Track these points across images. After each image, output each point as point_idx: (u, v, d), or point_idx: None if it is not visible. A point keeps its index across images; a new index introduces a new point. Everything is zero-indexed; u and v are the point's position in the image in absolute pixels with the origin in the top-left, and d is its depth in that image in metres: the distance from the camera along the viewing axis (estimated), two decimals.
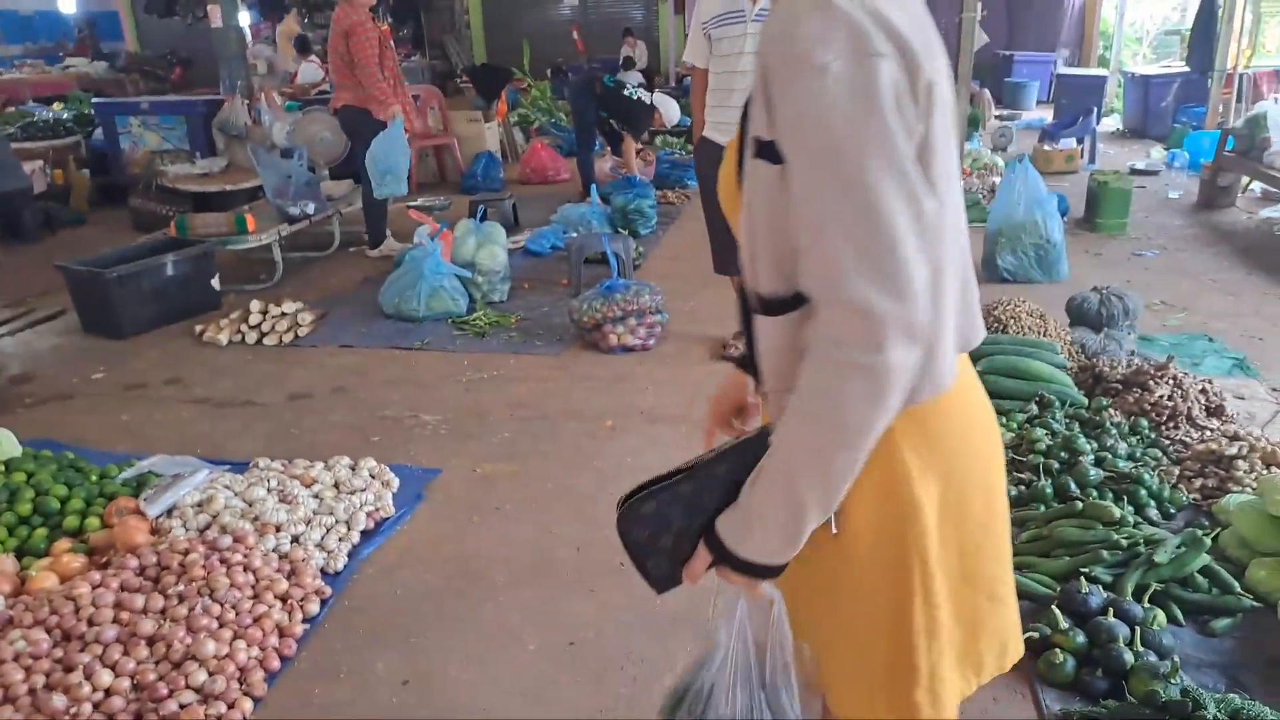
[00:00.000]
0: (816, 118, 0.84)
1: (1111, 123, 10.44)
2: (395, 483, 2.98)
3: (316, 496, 2.84)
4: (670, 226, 6.43)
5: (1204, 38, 8.43)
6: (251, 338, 4.40)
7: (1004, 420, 3.10)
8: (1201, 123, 8.52)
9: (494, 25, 17.66)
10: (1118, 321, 3.68)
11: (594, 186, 6.19)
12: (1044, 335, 3.61)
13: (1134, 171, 7.51)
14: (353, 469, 3.01)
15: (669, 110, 7.29)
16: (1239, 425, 3.01)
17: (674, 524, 1.02)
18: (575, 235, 5.44)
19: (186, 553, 2.43)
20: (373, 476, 2.98)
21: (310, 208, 5.63)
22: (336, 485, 2.91)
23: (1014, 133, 8.96)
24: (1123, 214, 5.62)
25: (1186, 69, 8.95)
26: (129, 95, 11.25)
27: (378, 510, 2.81)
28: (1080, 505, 2.52)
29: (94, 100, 8.82)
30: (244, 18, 9.18)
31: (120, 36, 17.25)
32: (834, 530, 0.99)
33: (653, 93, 7.30)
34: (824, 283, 0.86)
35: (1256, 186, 6.46)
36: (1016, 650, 1.14)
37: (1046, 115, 10.80)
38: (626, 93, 7.06)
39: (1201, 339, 3.89)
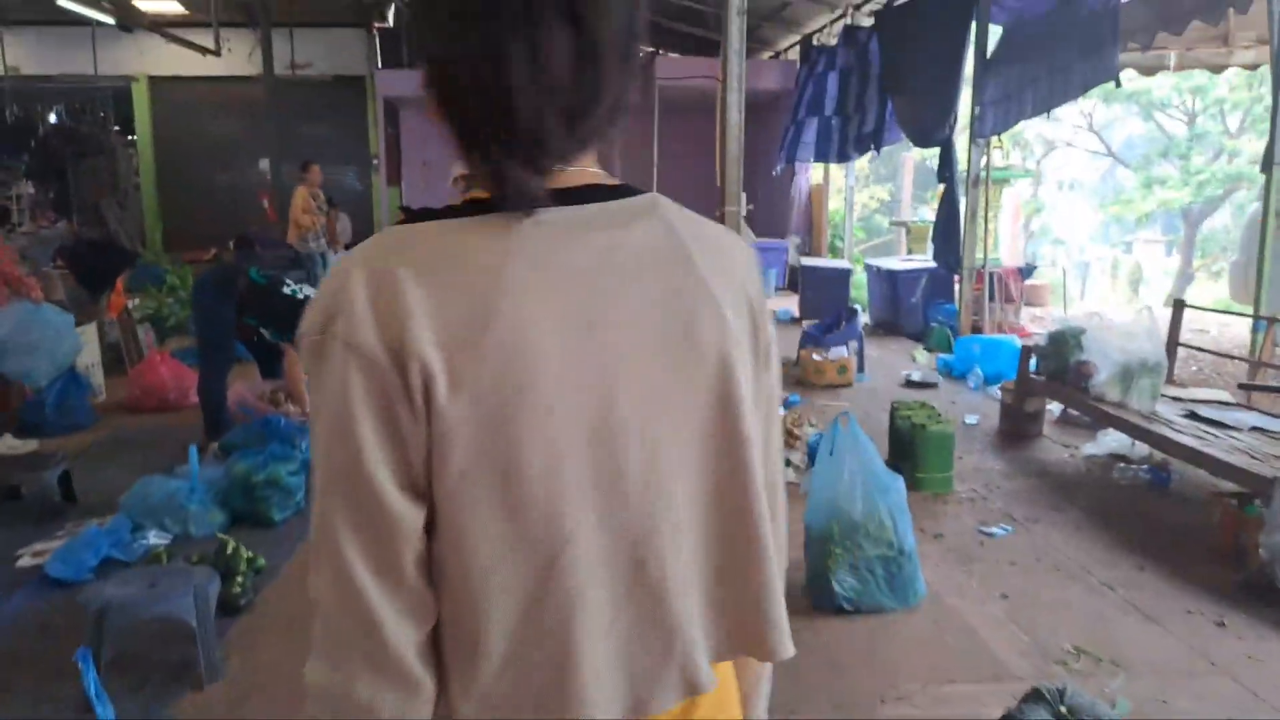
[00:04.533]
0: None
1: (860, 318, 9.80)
2: None
3: None
4: None
5: (947, 234, 7.92)
6: None
7: None
8: (955, 321, 7.90)
9: (171, 187, 15.05)
10: None
11: (194, 450, 3.92)
12: None
13: (910, 384, 6.48)
14: None
15: None
16: None
17: None
18: (114, 588, 2.70)
19: None
20: None
21: None
22: None
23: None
24: (947, 465, 4.28)
25: (931, 264, 8.42)
26: None
27: None
28: None
29: None
30: None
31: None
32: None
33: None
34: None
35: (1055, 407, 5.52)
36: None
37: (787, 305, 10.05)
38: (287, 290, 4.96)
39: None
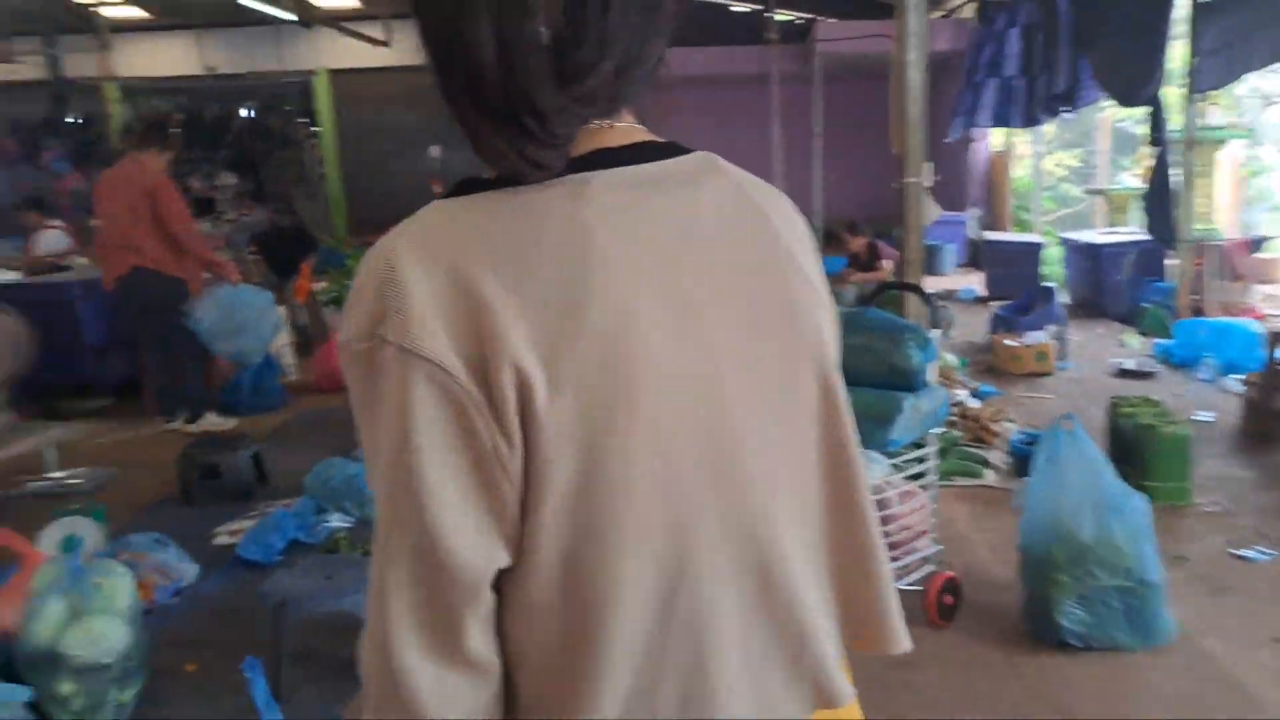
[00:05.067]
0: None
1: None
2: None
3: None
4: None
5: (1161, 203, 7.06)
6: None
7: None
8: (1171, 301, 7.05)
9: (353, 175, 15.85)
10: None
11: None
12: None
13: (1123, 373, 5.80)
14: None
15: None
16: None
17: None
18: (293, 580, 2.68)
19: None
20: None
21: None
22: None
23: (953, 313, 7.27)
24: (1183, 473, 3.71)
25: (1140, 236, 7.55)
26: None
27: None
28: None
29: None
30: None
31: None
32: None
33: None
34: None
35: None
36: None
37: (969, 283, 9.35)
38: None
39: None
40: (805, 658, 0.72)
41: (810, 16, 12.30)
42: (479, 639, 0.62)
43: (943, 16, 12.56)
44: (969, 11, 11.34)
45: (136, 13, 13.51)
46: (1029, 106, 9.82)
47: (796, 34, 12.37)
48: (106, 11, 12.61)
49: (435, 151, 15.05)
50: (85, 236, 7.49)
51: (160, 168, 5.09)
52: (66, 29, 12.59)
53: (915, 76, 4.53)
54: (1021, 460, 4.06)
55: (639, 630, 0.63)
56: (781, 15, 11.75)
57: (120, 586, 2.51)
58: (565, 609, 0.62)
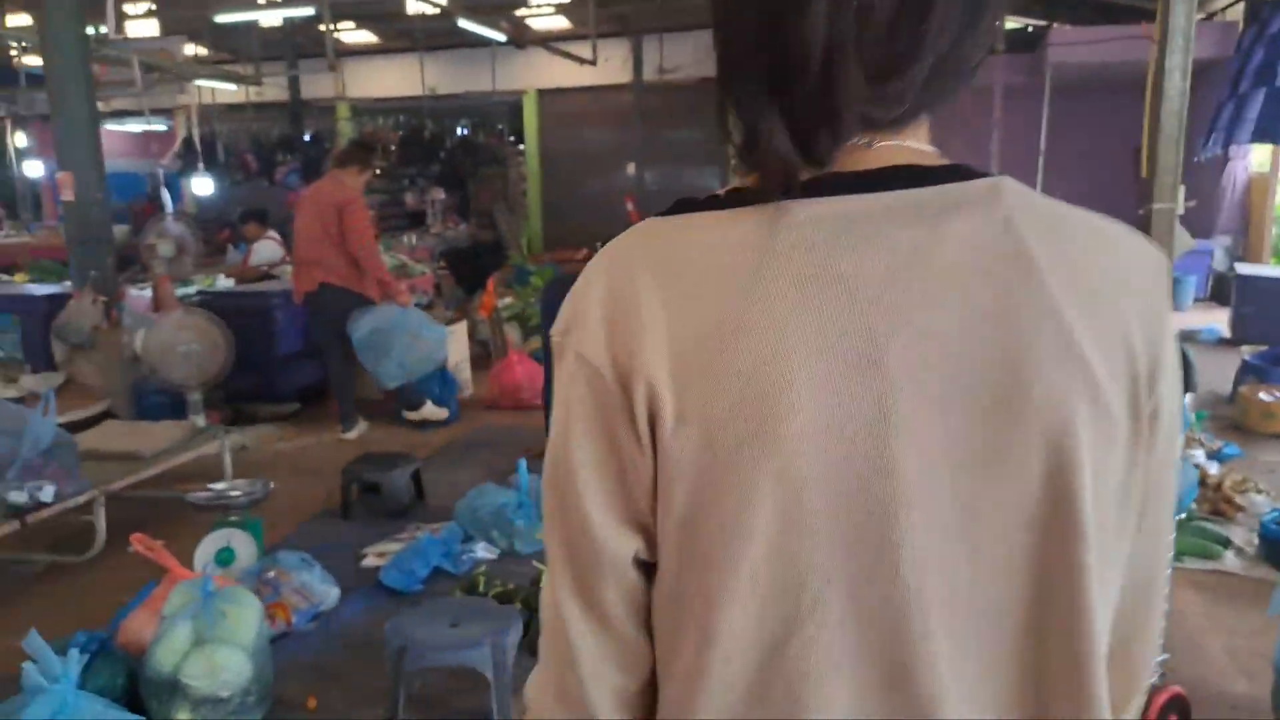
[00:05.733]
0: None
1: None
2: None
3: None
4: None
5: None
6: None
7: None
8: None
9: (553, 192, 16.36)
10: None
11: (523, 463, 3.79)
12: None
13: None
14: None
15: None
16: None
17: None
18: (417, 625, 2.51)
19: None
20: None
21: (46, 492, 3.42)
22: None
23: (1192, 356, 6.29)
24: None
25: None
26: None
27: None
28: None
29: None
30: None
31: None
32: None
33: None
34: None
35: None
36: None
37: (1213, 320, 8.17)
38: None
39: None
40: None
41: (1043, 23, 11.35)
42: (621, 611, 0.65)
43: (1205, 19, 11.21)
44: (1236, 13, 10.03)
45: (368, 37, 14.59)
46: None
47: (1023, 42, 11.45)
48: (342, 36, 13.66)
49: (631, 168, 15.21)
50: None
51: (357, 185, 5.26)
52: (306, 53, 13.72)
53: (1177, 84, 3.84)
54: (1274, 545, 3.36)
55: (739, 671, 0.61)
56: (1011, 22, 10.92)
57: (246, 617, 2.46)
58: (675, 624, 0.64)
